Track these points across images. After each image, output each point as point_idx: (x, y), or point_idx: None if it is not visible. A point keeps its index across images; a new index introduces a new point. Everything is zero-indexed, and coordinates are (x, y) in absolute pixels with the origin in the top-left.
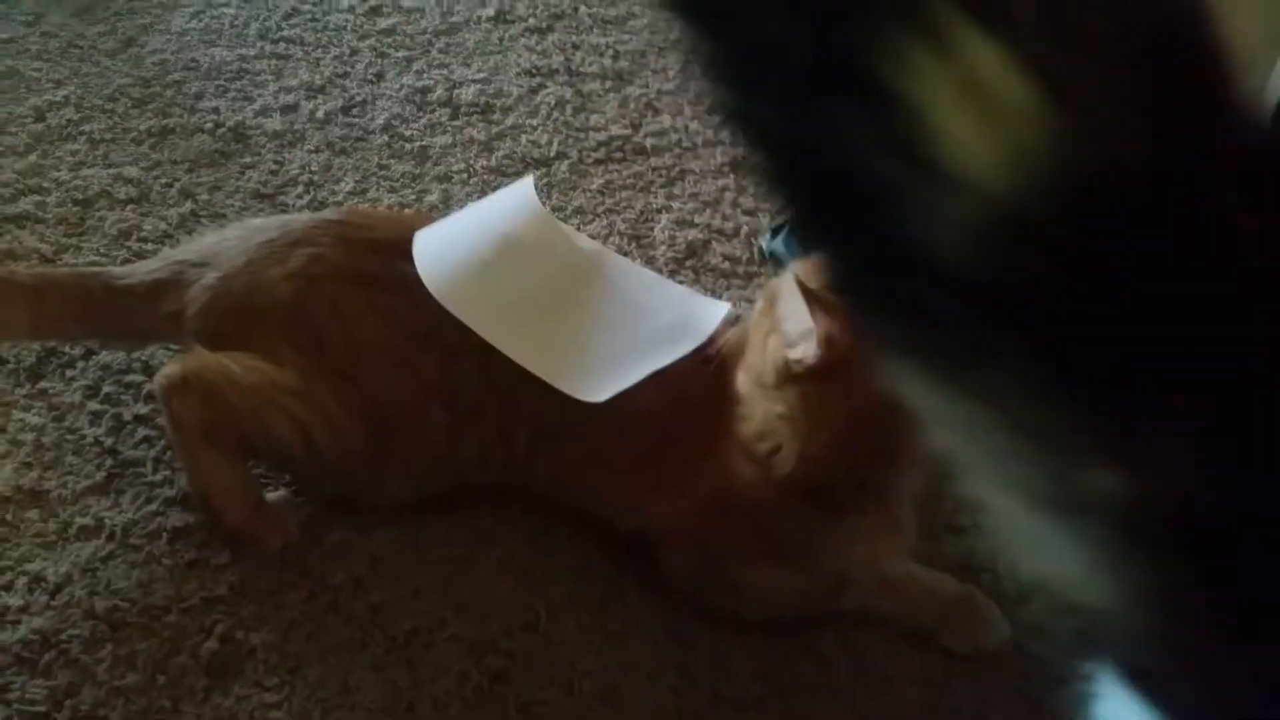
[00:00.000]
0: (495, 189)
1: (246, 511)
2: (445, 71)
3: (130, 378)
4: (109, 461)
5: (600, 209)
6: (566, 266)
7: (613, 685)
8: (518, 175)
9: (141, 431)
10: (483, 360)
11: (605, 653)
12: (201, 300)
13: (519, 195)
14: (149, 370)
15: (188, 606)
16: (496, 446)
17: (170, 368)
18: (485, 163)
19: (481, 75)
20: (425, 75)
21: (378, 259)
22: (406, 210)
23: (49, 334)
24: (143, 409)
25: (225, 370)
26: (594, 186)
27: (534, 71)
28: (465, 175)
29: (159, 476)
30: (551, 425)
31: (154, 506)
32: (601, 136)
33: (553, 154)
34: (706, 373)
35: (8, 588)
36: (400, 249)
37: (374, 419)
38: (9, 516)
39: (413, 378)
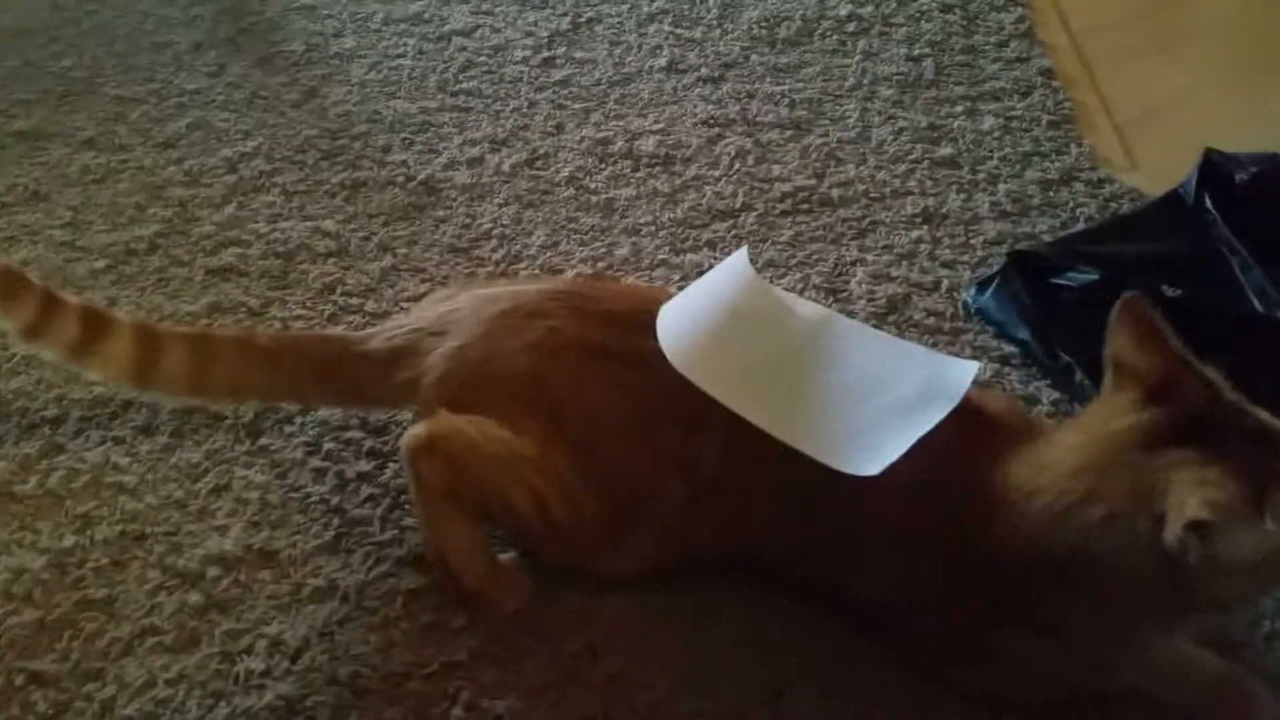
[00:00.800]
0: (683, 241)
1: (483, 572)
2: (623, 123)
3: (350, 434)
4: (336, 520)
5: (792, 262)
6: (795, 333)
7: None
8: (704, 227)
9: (365, 489)
10: (726, 434)
11: None
12: (439, 369)
13: (735, 266)
14: (367, 427)
15: (429, 673)
16: (734, 521)
17: (417, 429)
18: (671, 215)
19: (659, 126)
20: (603, 126)
21: (614, 331)
22: (633, 281)
23: (283, 396)
24: (365, 465)
25: (468, 435)
26: (783, 239)
27: (711, 122)
28: (653, 228)
29: (387, 535)
30: (798, 497)
31: (385, 567)
32: (786, 187)
33: (738, 205)
34: (959, 435)
35: (249, 651)
36: (634, 322)
37: (611, 492)
38: (242, 577)
39: (651, 451)
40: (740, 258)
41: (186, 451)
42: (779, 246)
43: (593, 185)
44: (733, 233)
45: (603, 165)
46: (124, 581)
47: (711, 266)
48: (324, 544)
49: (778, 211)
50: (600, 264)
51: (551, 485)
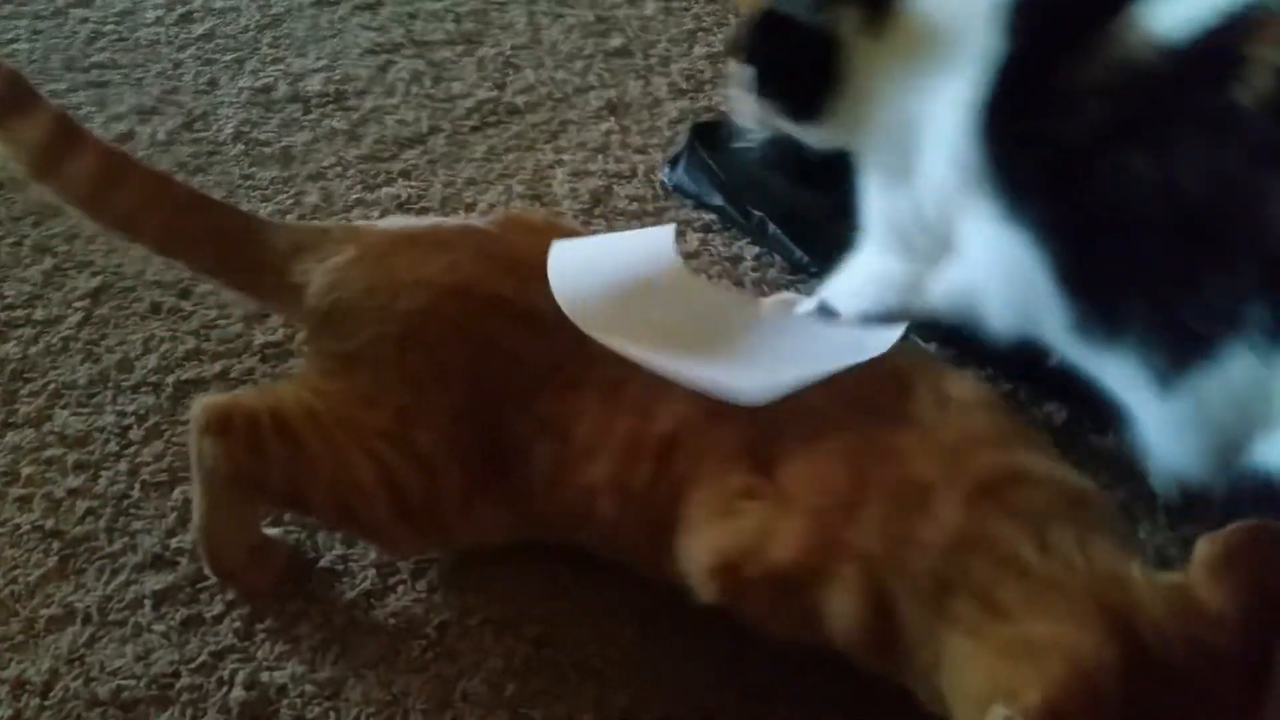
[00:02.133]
0: (374, 176)
1: (243, 556)
2: (282, 66)
3: (49, 452)
4: (56, 544)
5: (492, 176)
6: (714, 301)
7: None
8: (394, 159)
9: (81, 504)
10: (609, 392)
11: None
12: (323, 282)
13: (656, 245)
14: (66, 441)
15: (198, 665)
16: (603, 496)
17: (218, 400)
18: (356, 151)
19: (323, 63)
20: (261, 74)
21: (512, 280)
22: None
23: (175, 253)
24: (75, 481)
25: (283, 410)
26: (478, 155)
27: (377, 49)
28: (340, 169)
29: (117, 545)
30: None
31: (124, 576)
32: (469, 103)
33: (424, 130)
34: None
35: None
36: (536, 269)
37: (478, 456)
38: None
39: (526, 417)
40: (664, 236)
41: None
42: (475, 163)
43: (263, 137)
44: (425, 158)
45: (269, 114)
46: None
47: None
48: (48, 571)
49: (467, 129)
50: (289, 215)
51: (405, 456)
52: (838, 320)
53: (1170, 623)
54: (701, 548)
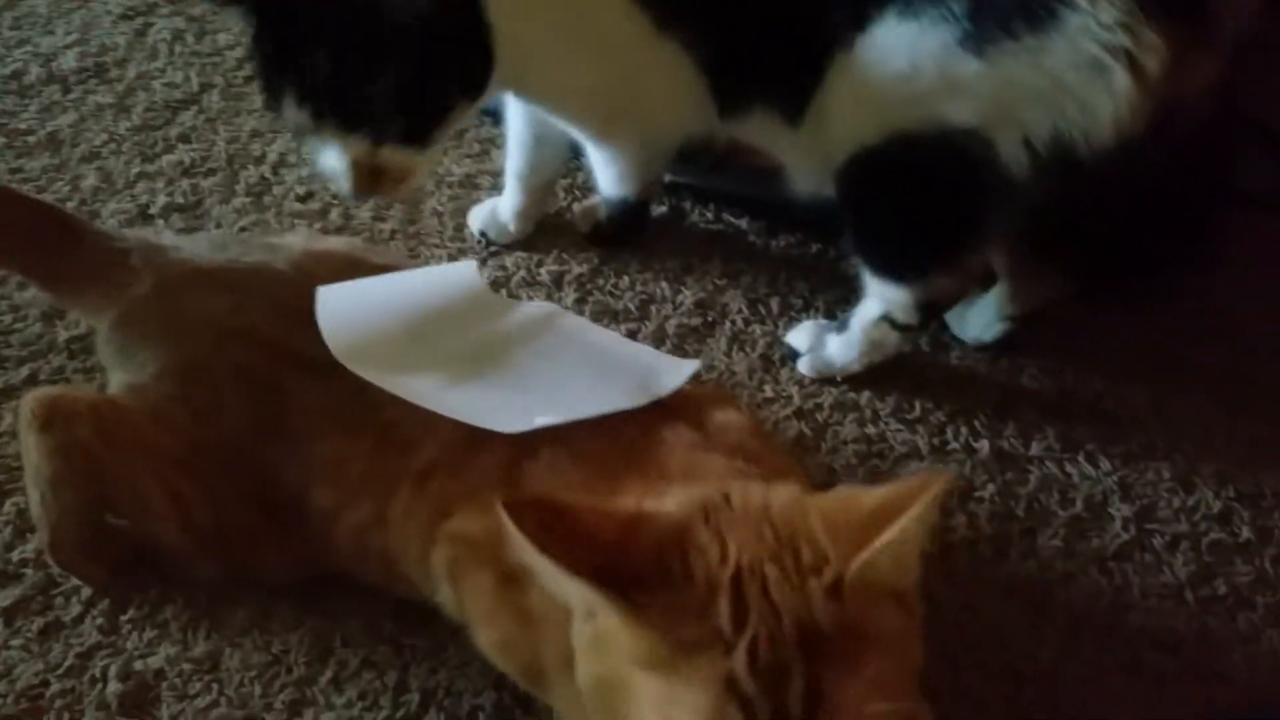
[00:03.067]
0: (152, 146)
1: (81, 545)
2: (30, 48)
3: None
4: None
5: (277, 125)
6: (512, 322)
7: None
8: (169, 124)
9: None
10: (383, 433)
11: None
12: (119, 310)
13: (457, 280)
14: None
15: (65, 669)
16: (371, 532)
17: (46, 393)
18: (128, 124)
19: (73, 37)
20: (9, 59)
21: (298, 328)
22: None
23: None
24: None
25: (106, 421)
26: (257, 106)
27: (130, 14)
28: (114, 145)
29: None
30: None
31: None
32: (238, 54)
33: (196, 89)
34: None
35: None
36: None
37: (260, 504)
38: None
39: (302, 464)
40: (466, 271)
41: None
42: (256, 114)
43: (24, 126)
44: (202, 118)
45: (26, 101)
46: None
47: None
48: None
49: (240, 81)
50: (70, 203)
51: (194, 488)
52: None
53: None
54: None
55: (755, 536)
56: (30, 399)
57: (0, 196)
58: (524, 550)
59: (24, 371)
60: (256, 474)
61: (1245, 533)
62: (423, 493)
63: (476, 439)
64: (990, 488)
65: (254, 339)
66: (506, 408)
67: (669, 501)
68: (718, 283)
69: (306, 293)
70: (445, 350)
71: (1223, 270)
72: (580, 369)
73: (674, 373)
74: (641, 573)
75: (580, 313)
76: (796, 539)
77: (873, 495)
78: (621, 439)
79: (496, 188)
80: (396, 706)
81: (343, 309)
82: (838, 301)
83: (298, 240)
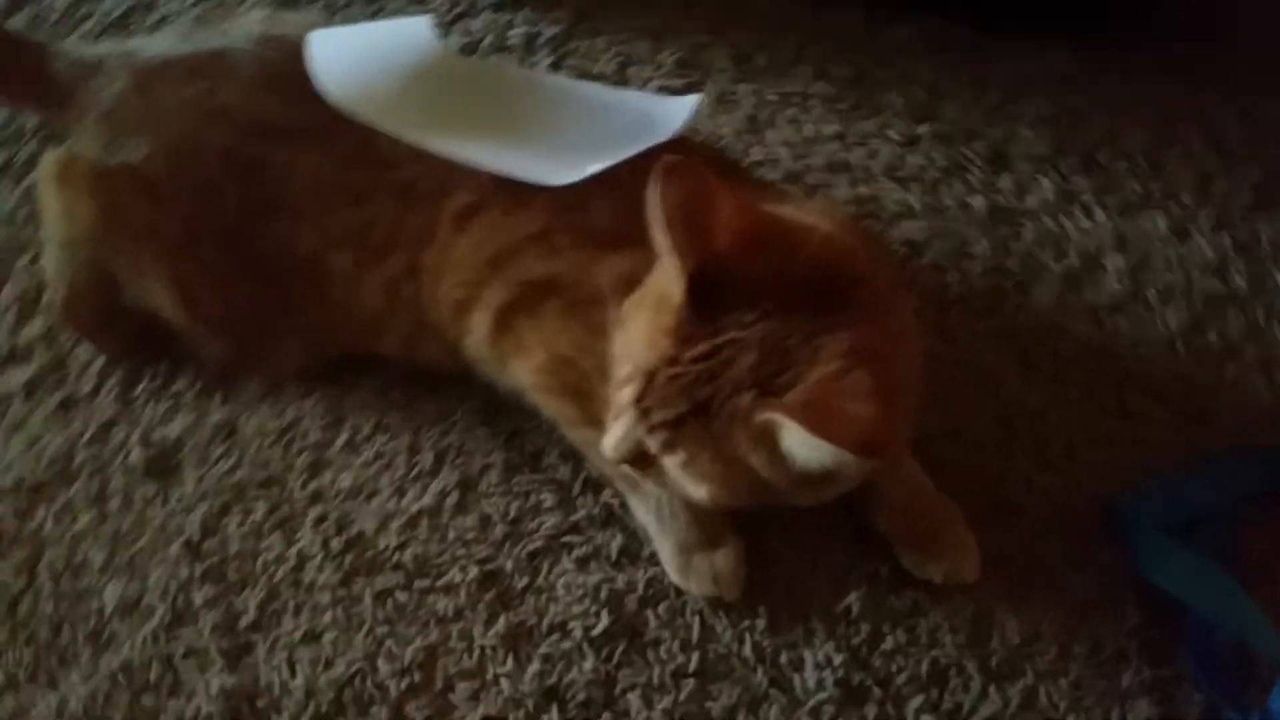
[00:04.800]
0: None
1: (93, 317)
2: None
3: None
4: None
5: None
6: (501, 82)
7: None
8: None
9: None
10: (400, 192)
11: None
12: (102, 106)
13: (417, 34)
14: None
15: (88, 438)
16: (405, 282)
17: (60, 153)
18: None
19: None
20: None
21: (274, 100)
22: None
23: None
24: None
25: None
26: None
27: None
28: None
29: None
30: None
31: None
32: None
33: None
34: None
35: None
36: (299, 86)
37: (265, 282)
38: None
39: (313, 232)
40: (419, 25)
41: None
42: None
43: None
44: None
45: None
46: None
47: None
48: None
49: None
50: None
51: (194, 271)
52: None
53: None
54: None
55: None
56: (49, 156)
57: None
58: (653, 214)
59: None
60: (258, 253)
61: (1238, 282)
62: (463, 233)
63: (515, 184)
64: (984, 243)
65: (234, 120)
66: (547, 160)
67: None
68: (700, 39)
69: (276, 67)
70: (446, 106)
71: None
72: (590, 120)
73: (678, 108)
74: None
75: None
76: None
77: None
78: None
79: None
80: (410, 466)
81: (332, 57)
82: (828, 55)
83: (256, 21)
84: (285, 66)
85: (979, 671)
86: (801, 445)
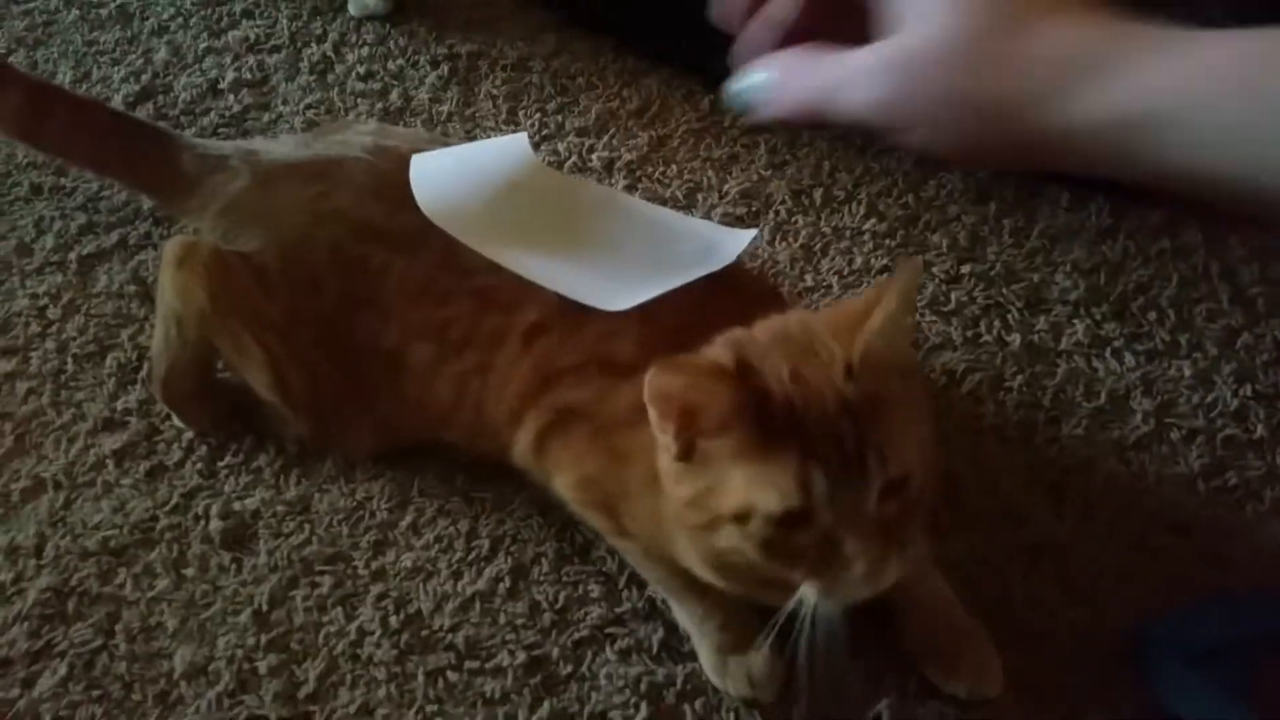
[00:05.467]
0: (219, 23)
1: (194, 389)
2: None
3: None
4: (7, 425)
5: None
6: (580, 199)
7: None
8: (232, 1)
9: (21, 386)
10: (480, 297)
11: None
12: (221, 203)
13: (514, 150)
14: None
15: (171, 507)
16: (473, 377)
17: (185, 239)
18: None
19: None
20: None
21: (380, 207)
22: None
23: (101, 170)
24: (7, 366)
25: (229, 272)
26: None
27: None
28: (181, 20)
29: (66, 416)
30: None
31: (80, 443)
32: None
33: None
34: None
35: None
36: (403, 194)
37: (350, 373)
38: None
39: (399, 327)
40: (518, 141)
41: None
42: None
43: None
44: None
45: None
46: None
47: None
48: (8, 450)
49: None
50: (145, 75)
51: (290, 354)
52: (696, 221)
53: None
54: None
55: (783, 351)
56: (173, 240)
57: (113, 121)
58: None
59: (113, 237)
60: (348, 343)
61: (1259, 430)
62: (529, 350)
63: (577, 308)
64: (1019, 379)
65: (343, 221)
66: (606, 284)
67: (718, 351)
68: (762, 173)
69: (386, 177)
70: (527, 221)
71: None
72: (654, 244)
73: (736, 240)
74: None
75: None
76: (812, 344)
77: (858, 299)
78: (690, 312)
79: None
80: (469, 550)
81: (431, 176)
82: (880, 194)
83: (369, 133)
84: (392, 176)
85: None
86: None
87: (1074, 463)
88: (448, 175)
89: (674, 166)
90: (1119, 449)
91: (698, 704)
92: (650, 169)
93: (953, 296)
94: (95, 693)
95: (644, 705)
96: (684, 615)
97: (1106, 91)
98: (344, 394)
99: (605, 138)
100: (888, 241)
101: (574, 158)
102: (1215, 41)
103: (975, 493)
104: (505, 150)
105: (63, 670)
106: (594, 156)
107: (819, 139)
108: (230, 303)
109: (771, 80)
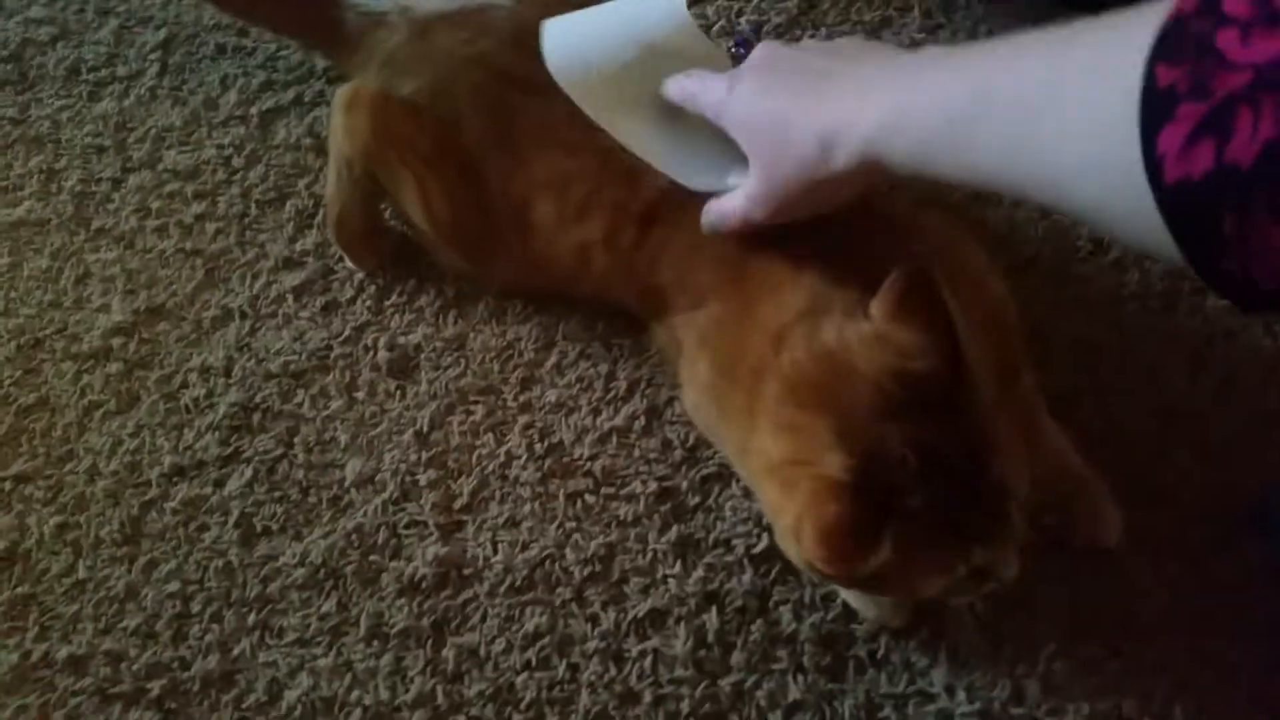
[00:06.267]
0: None
1: (353, 233)
2: None
3: (169, 188)
4: (199, 260)
5: None
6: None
7: None
8: None
9: (210, 226)
10: (603, 157)
11: None
12: (383, 54)
13: (660, 9)
14: (179, 174)
15: (344, 338)
16: (596, 251)
17: (349, 87)
18: None
19: None
20: None
21: (518, 53)
22: None
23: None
24: (198, 208)
25: (388, 108)
26: None
27: None
28: None
29: (250, 255)
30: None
31: (264, 279)
32: None
33: None
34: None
35: (185, 385)
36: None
37: (487, 211)
38: (145, 335)
39: (526, 174)
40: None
41: (31, 262)
42: None
43: None
44: None
45: None
46: (45, 381)
47: None
48: (199, 283)
49: None
50: None
51: (436, 182)
52: None
53: (885, 363)
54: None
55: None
56: (341, 88)
57: None
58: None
59: (290, 94)
60: (484, 182)
61: None
62: (646, 239)
63: (685, 194)
64: None
65: (485, 64)
66: (705, 163)
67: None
68: (915, 37)
69: (526, 25)
70: (653, 90)
71: None
72: None
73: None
74: None
75: None
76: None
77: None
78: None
79: None
80: (607, 390)
81: (565, 40)
82: None
83: None
84: (532, 25)
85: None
86: None
87: (1216, 332)
88: (579, 37)
89: (824, 30)
90: (1264, 320)
91: None
92: (798, 32)
93: None
94: (276, 494)
95: (765, 536)
96: None
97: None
98: (483, 232)
99: (754, 0)
100: None
101: (721, 21)
102: (940, 61)
103: (1113, 357)
104: (649, 10)
105: (248, 474)
106: (742, 20)
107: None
108: (389, 135)
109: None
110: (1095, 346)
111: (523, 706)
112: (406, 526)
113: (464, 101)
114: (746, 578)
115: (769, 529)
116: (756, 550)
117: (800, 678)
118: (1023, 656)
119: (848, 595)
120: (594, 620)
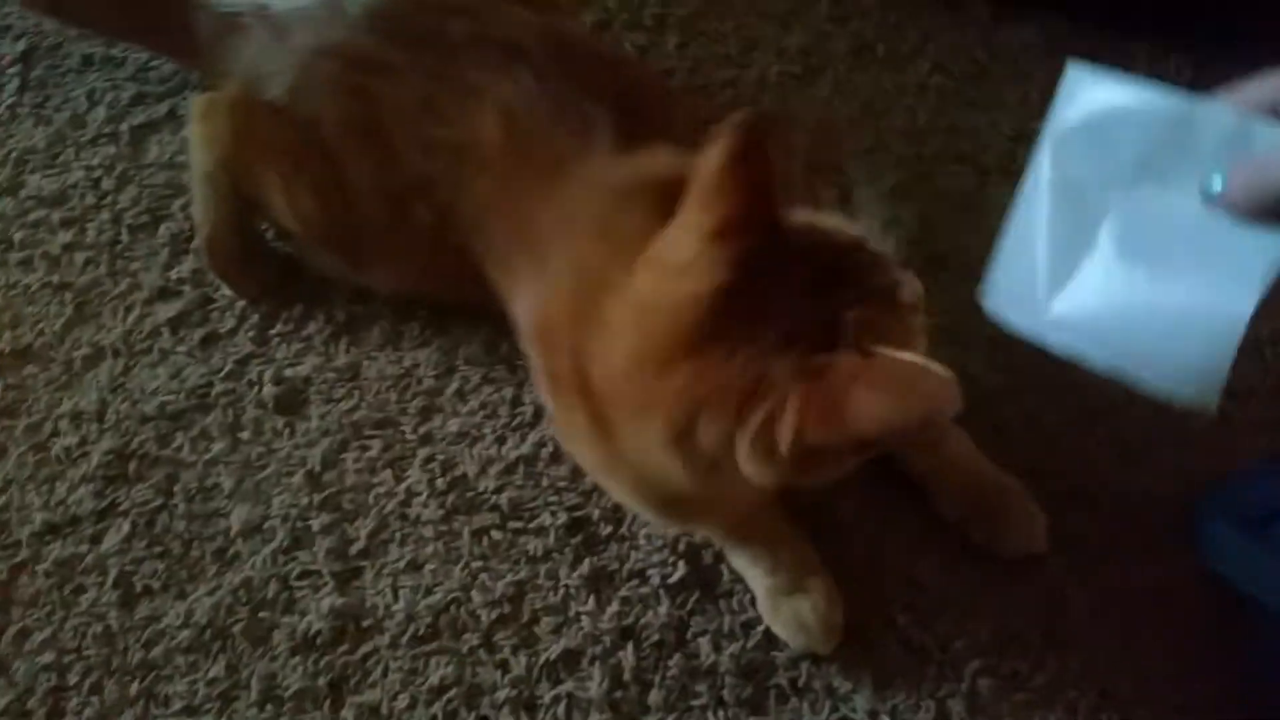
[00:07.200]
0: None
1: (239, 255)
2: None
3: (33, 215)
4: (68, 295)
5: None
6: None
7: None
8: None
9: (79, 256)
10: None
11: None
12: (242, 63)
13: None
14: (45, 200)
15: (226, 373)
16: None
17: (206, 96)
18: None
19: None
20: None
21: (374, 40)
22: None
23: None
24: (65, 237)
25: (248, 110)
26: None
27: None
28: None
29: (123, 285)
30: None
31: (137, 311)
32: None
33: None
34: None
35: (56, 434)
36: (394, 26)
37: (356, 205)
38: (11, 380)
39: (395, 173)
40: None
41: None
42: None
43: None
44: None
45: None
46: None
47: None
48: (68, 319)
49: None
50: None
51: (301, 180)
52: None
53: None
54: None
55: None
56: (195, 100)
57: None
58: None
59: (164, 107)
60: (351, 176)
61: None
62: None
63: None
64: None
65: (338, 54)
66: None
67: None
68: (824, 27)
69: (378, 7)
70: None
71: None
72: None
73: None
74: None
75: (681, 57)
76: None
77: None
78: None
79: None
80: (513, 416)
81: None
82: (953, 52)
83: None
84: (385, 9)
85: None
86: None
87: None
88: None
89: (729, 22)
90: None
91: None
92: (705, 24)
93: (1019, 155)
94: (157, 549)
95: (681, 564)
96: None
97: None
98: (357, 228)
99: None
100: (954, 99)
101: (624, 15)
102: None
103: (1030, 356)
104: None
105: (126, 528)
106: (646, 13)
107: None
108: (250, 137)
109: None
110: (1012, 345)
111: None
112: (299, 577)
113: (322, 94)
114: (663, 609)
115: (685, 556)
116: (672, 580)
117: (720, 713)
118: (947, 675)
119: (773, 623)
120: (504, 667)
